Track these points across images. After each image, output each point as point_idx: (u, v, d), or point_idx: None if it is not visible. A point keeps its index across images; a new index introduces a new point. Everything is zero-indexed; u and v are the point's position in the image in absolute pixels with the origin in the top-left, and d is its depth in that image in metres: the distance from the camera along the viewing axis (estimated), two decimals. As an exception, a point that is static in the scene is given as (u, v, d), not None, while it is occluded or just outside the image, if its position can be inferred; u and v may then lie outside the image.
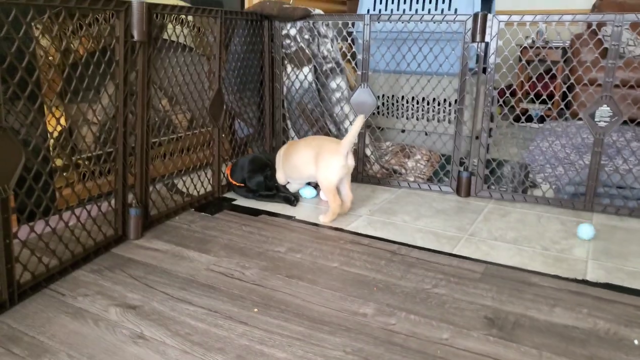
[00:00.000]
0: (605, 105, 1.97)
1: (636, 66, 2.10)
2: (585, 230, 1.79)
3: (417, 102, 2.66)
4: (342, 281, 1.47)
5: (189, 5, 1.98)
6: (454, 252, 1.67)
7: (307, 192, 2.17)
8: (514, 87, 2.44)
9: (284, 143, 2.55)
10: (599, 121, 1.99)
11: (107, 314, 1.28)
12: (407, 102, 2.67)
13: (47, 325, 1.23)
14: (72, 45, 1.69)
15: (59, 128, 1.69)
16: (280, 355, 1.13)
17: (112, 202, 1.66)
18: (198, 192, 2.12)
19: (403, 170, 2.44)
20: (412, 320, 1.27)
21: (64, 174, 1.76)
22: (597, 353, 1.15)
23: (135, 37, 1.56)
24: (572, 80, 2.14)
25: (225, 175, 2.19)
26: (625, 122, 2.04)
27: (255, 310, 1.31)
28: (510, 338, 1.21)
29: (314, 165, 1.96)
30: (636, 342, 1.20)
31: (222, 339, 1.19)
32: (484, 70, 2.14)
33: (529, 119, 3.74)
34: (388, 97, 2.74)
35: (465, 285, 1.45)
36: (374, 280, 1.48)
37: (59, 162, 1.74)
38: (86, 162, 1.72)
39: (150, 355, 1.12)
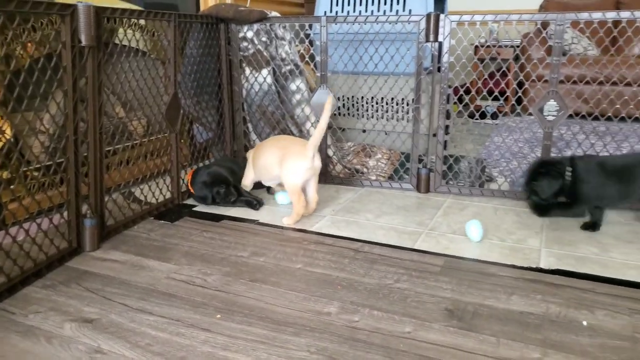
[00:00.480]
0: (552, 100, 2.07)
1: (578, 62, 2.22)
2: (473, 230, 1.74)
3: (376, 102, 2.70)
4: (306, 282, 1.47)
5: (140, 8, 1.94)
6: (415, 247, 1.71)
7: (282, 199, 2.15)
8: (468, 85, 2.52)
9: (245, 147, 2.53)
10: (547, 115, 2.08)
11: (61, 330, 1.23)
12: (367, 102, 2.71)
13: (-4, 345, 1.17)
14: (15, 52, 1.62)
15: (3, 139, 1.61)
16: (244, 359, 1.12)
17: (65, 213, 1.60)
18: (157, 199, 2.08)
19: (365, 170, 2.47)
20: (375, 316, 1.29)
21: (11, 186, 1.68)
22: (549, 336, 1.21)
23: (83, 42, 1.51)
24: (521, 77, 2.23)
25: (186, 181, 2.16)
26: (571, 116, 2.14)
27: (218, 316, 1.29)
28: (469, 328, 1.24)
29: (279, 166, 1.95)
30: (585, 323, 1.27)
31: (184, 347, 1.16)
32: (439, 69, 2.20)
33: (484, 115, 3.87)
34: (348, 97, 2.78)
35: (426, 278, 1.49)
36: (338, 278, 1.49)
37: (4, 175, 1.66)
38: (35, 174, 1.65)
39: (109, 369, 1.09)
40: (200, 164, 2.39)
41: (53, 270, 1.52)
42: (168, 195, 2.12)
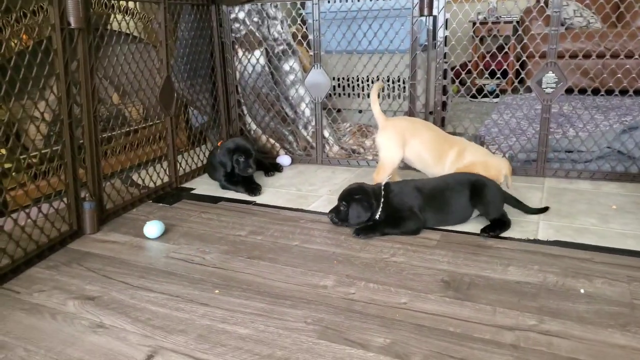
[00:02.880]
0: (551, 72, 2.05)
1: (580, 37, 2.19)
2: (152, 229, 1.62)
3: (372, 81, 2.68)
4: (303, 258, 1.48)
5: (130, -10, 1.93)
6: (412, 223, 1.71)
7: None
8: (469, 66, 2.50)
9: (240, 130, 2.53)
10: (546, 88, 2.07)
11: (64, 307, 1.25)
12: (362, 82, 2.69)
13: (2, 323, 1.19)
14: (6, 40, 1.61)
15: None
16: (242, 331, 1.14)
17: (65, 198, 1.61)
18: (155, 183, 2.09)
19: (362, 150, 2.47)
20: (371, 289, 1.30)
21: (13, 174, 1.69)
22: (546, 304, 1.21)
23: (73, 24, 1.50)
24: (524, 57, 2.20)
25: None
26: (571, 91, 2.12)
27: (217, 291, 1.31)
28: (465, 297, 1.25)
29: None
30: (582, 290, 1.27)
31: (183, 321, 1.18)
32: (434, 45, 2.17)
33: (485, 95, 3.84)
34: (342, 77, 2.76)
35: (422, 252, 1.50)
36: (334, 254, 1.50)
37: (7, 165, 1.67)
38: (34, 161, 1.66)
39: (111, 342, 1.11)
40: (197, 149, 2.39)
41: (55, 252, 1.55)
42: (166, 179, 2.13)
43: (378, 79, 2.65)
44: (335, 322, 1.16)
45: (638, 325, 1.12)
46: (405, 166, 2.02)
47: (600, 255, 1.45)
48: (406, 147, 1.89)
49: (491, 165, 1.80)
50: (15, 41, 1.61)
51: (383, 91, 2.63)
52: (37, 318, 1.21)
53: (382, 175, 1.90)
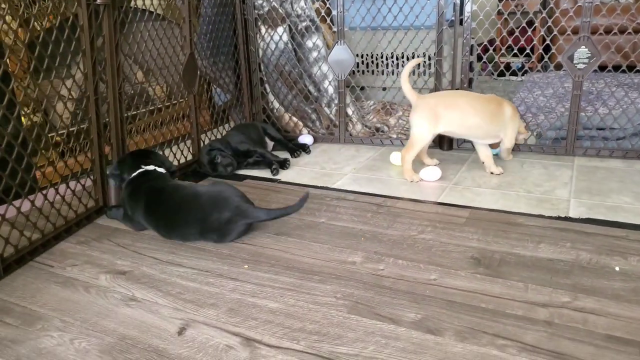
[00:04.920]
0: (584, 47, 1.97)
1: (619, 13, 2.09)
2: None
3: (397, 58, 2.63)
4: (330, 234, 1.48)
5: (153, -34, 1.91)
6: (439, 201, 1.69)
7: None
8: (497, 42, 2.41)
9: (263, 109, 2.51)
10: (578, 63, 1.99)
11: (97, 280, 1.28)
12: (386, 58, 2.64)
13: (38, 295, 1.22)
14: (34, 15, 1.62)
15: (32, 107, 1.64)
16: (272, 305, 1.14)
17: (92, 175, 1.64)
18: (179, 161, 2.09)
19: (386, 128, 2.44)
20: (400, 265, 1.29)
21: (43, 152, 1.72)
22: (580, 281, 1.19)
23: (98, 0, 1.50)
24: (555, 32, 2.12)
25: None
26: (606, 69, 2.04)
27: (246, 267, 1.32)
28: (496, 274, 1.23)
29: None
30: (617, 268, 1.24)
31: (213, 295, 1.19)
32: (461, 22, 2.11)
33: (513, 73, 3.73)
34: (366, 54, 2.71)
35: (451, 229, 1.48)
36: (361, 231, 1.49)
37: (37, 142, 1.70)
38: (64, 138, 1.68)
39: (144, 315, 1.13)
40: (220, 127, 2.39)
41: (83, 227, 1.57)
42: (190, 157, 2.14)
43: (403, 55, 2.59)
44: (365, 298, 1.16)
45: (678, 303, 1.09)
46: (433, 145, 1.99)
47: (636, 233, 1.40)
48: (441, 122, 1.85)
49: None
50: (44, 19, 1.61)
51: (418, 68, 2.57)
52: (71, 291, 1.23)
53: (410, 153, 1.88)
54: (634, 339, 0.98)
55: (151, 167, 1.53)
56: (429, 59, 2.55)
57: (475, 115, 1.84)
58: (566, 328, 1.02)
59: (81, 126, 1.61)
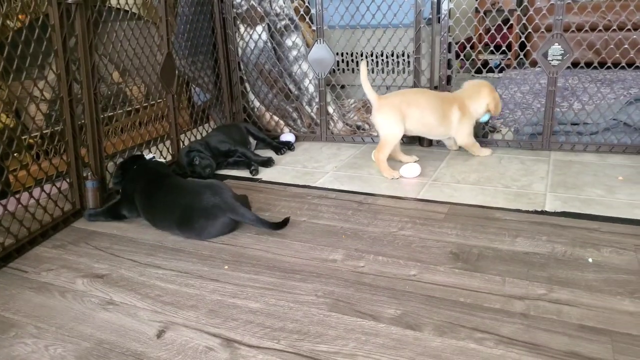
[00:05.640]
0: (557, 44, 2.01)
1: (590, 11, 2.14)
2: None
3: (376, 56, 2.64)
4: (311, 233, 1.48)
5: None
6: (418, 197, 1.71)
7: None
8: (474, 40, 2.45)
9: (244, 108, 2.50)
10: (552, 60, 2.03)
11: (73, 285, 1.25)
12: (365, 57, 2.65)
13: (11, 302, 1.19)
14: (3, 16, 1.57)
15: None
16: (253, 305, 1.14)
17: (68, 177, 1.60)
18: (159, 162, 2.07)
19: (366, 126, 2.45)
20: (380, 261, 1.30)
21: (16, 155, 1.68)
22: (555, 273, 1.21)
23: (70, -1, 1.47)
24: (530, 30, 2.16)
25: None
26: (577, 64, 2.08)
27: (226, 267, 1.31)
28: (474, 269, 1.25)
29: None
30: (590, 260, 1.27)
31: (193, 297, 1.18)
32: (438, 20, 2.13)
33: (490, 70, 3.79)
34: (346, 53, 2.72)
35: (430, 225, 1.49)
36: (342, 229, 1.50)
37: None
38: (38, 141, 1.65)
39: (121, 319, 1.11)
40: (200, 127, 2.37)
41: (59, 231, 1.54)
42: (169, 157, 2.11)
43: (382, 54, 2.61)
44: (346, 295, 1.16)
45: (648, 292, 1.12)
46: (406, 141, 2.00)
47: (608, 225, 1.44)
48: (406, 120, 1.92)
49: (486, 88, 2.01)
50: (13, 18, 1.57)
51: (387, 66, 2.60)
52: (47, 296, 1.21)
53: (383, 152, 1.90)
54: (605, 327, 1.01)
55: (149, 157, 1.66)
56: (407, 56, 2.57)
57: (430, 115, 1.94)
58: (542, 320, 1.04)
59: (55, 128, 1.58)
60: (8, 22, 1.55)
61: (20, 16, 1.56)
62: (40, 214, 1.50)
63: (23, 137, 1.77)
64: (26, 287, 1.25)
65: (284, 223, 1.49)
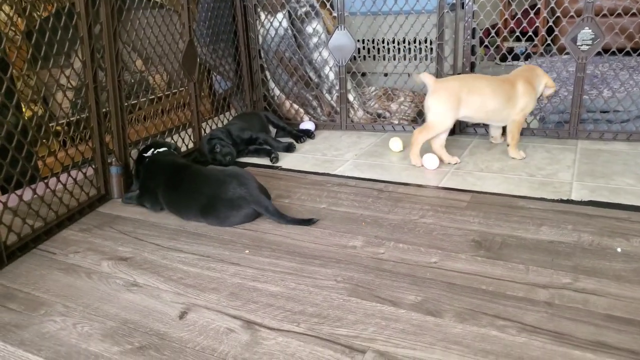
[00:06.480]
0: (587, 28, 1.94)
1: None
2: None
3: (397, 43, 2.60)
4: (331, 220, 1.48)
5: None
6: (440, 185, 1.69)
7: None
8: (499, 25, 2.38)
9: (264, 96, 2.50)
10: (581, 45, 1.96)
11: (99, 267, 1.29)
12: (387, 43, 2.62)
13: (41, 281, 1.23)
14: (34, 10, 1.61)
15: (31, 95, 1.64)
16: (273, 289, 1.15)
17: (93, 163, 1.64)
18: (180, 149, 2.09)
19: (387, 114, 2.42)
20: (401, 249, 1.29)
21: (44, 141, 1.72)
22: (581, 263, 1.18)
23: (96, -13, 1.49)
24: (558, 14, 2.09)
25: None
26: (613, 53, 2.00)
27: (247, 252, 1.32)
28: (497, 257, 1.23)
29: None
30: (619, 249, 1.23)
31: (215, 279, 1.20)
32: (462, 6, 2.08)
33: (516, 57, 3.69)
34: (367, 40, 2.68)
35: (452, 213, 1.47)
36: (362, 216, 1.49)
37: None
38: (65, 128, 1.69)
39: (145, 300, 1.13)
40: (221, 116, 2.38)
41: (85, 215, 1.58)
42: (191, 145, 2.14)
43: (404, 41, 2.57)
44: (366, 281, 1.16)
45: (680, 283, 1.08)
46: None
47: (638, 214, 1.39)
48: (462, 107, 1.80)
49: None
50: (40, 7, 1.61)
51: (409, 53, 2.56)
52: (74, 277, 1.25)
53: (424, 134, 1.83)
54: (634, 318, 0.98)
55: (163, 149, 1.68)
56: (430, 43, 2.53)
57: (494, 99, 1.81)
58: (566, 308, 1.02)
59: (81, 115, 1.61)
60: (36, 11, 1.59)
61: (47, 5, 1.59)
62: (67, 198, 1.55)
63: (50, 125, 1.82)
64: (55, 268, 1.29)
65: (307, 221, 1.45)
